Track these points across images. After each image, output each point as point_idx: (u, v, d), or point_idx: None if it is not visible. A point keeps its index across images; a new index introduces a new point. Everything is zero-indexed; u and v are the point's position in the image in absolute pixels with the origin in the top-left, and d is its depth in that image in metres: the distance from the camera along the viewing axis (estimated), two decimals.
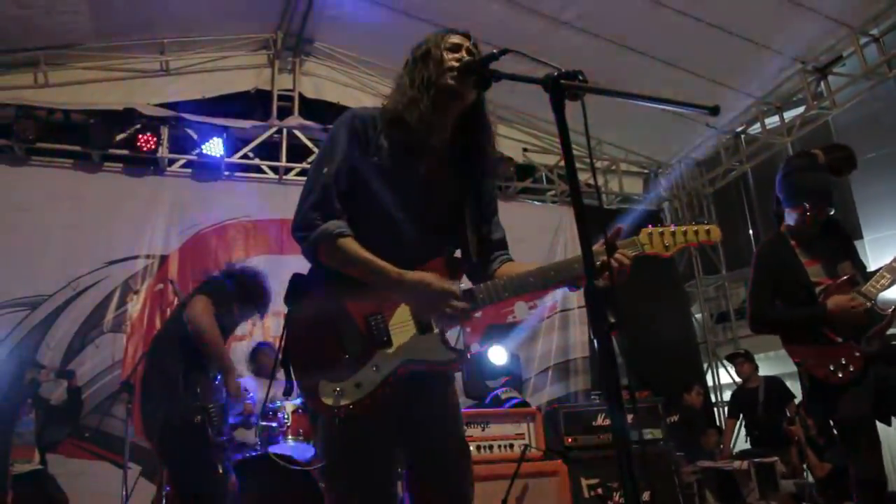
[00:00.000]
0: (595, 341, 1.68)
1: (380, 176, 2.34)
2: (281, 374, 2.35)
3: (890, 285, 3.73)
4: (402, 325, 2.28)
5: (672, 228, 2.42)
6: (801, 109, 8.91)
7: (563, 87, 1.81)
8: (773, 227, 4.26)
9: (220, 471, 4.41)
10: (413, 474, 2.35)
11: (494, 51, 2.20)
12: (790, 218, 4.02)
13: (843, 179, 4.70)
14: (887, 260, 3.79)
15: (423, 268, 2.27)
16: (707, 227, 2.44)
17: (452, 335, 2.35)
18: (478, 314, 2.36)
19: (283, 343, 2.28)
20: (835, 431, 3.82)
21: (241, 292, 4.88)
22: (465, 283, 2.40)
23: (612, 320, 1.66)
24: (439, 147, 2.42)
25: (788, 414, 7.74)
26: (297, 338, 2.28)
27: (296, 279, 2.37)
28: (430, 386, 2.38)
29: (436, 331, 2.29)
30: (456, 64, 2.34)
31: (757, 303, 4.04)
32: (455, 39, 2.43)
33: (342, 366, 2.21)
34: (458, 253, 2.53)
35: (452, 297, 2.21)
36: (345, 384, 2.19)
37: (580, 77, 1.82)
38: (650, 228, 2.41)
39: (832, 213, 3.95)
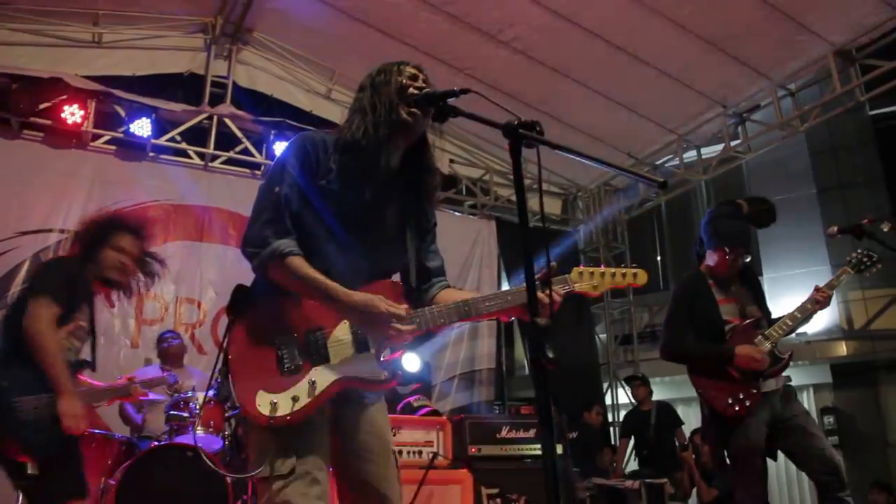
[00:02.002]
0: (534, 373, 1.81)
1: (327, 199, 2.40)
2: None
3: (790, 331, 4.07)
4: (340, 342, 2.36)
5: (602, 269, 2.58)
6: (717, 149, 9.31)
7: (521, 137, 1.91)
8: (692, 264, 4.58)
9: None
10: (345, 480, 2.45)
11: (456, 88, 2.27)
12: (710, 259, 4.30)
13: None
14: (784, 298, 4.10)
15: (368, 288, 2.35)
16: (634, 272, 2.62)
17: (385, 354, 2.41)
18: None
19: (223, 352, 2.32)
20: (727, 460, 4.12)
21: (87, 250, 3.97)
22: None
23: (551, 355, 1.80)
24: (387, 173, 2.48)
25: (676, 439, 8.12)
26: (238, 348, 2.32)
27: (239, 290, 2.42)
28: (363, 399, 2.47)
29: (372, 350, 2.38)
30: (417, 92, 2.42)
31: (671, 334, 4.31)
32: (412, 70, 2.51)
33: (280, 378, 2.27)
34: (396, 277, 2.59)
35: (398, 319, 2.30)
36: (281, 396, 2.24)
37: (538, 129, 1.92)
38: (581, 268, 2.56)
39: (748, 259, 4.26)
